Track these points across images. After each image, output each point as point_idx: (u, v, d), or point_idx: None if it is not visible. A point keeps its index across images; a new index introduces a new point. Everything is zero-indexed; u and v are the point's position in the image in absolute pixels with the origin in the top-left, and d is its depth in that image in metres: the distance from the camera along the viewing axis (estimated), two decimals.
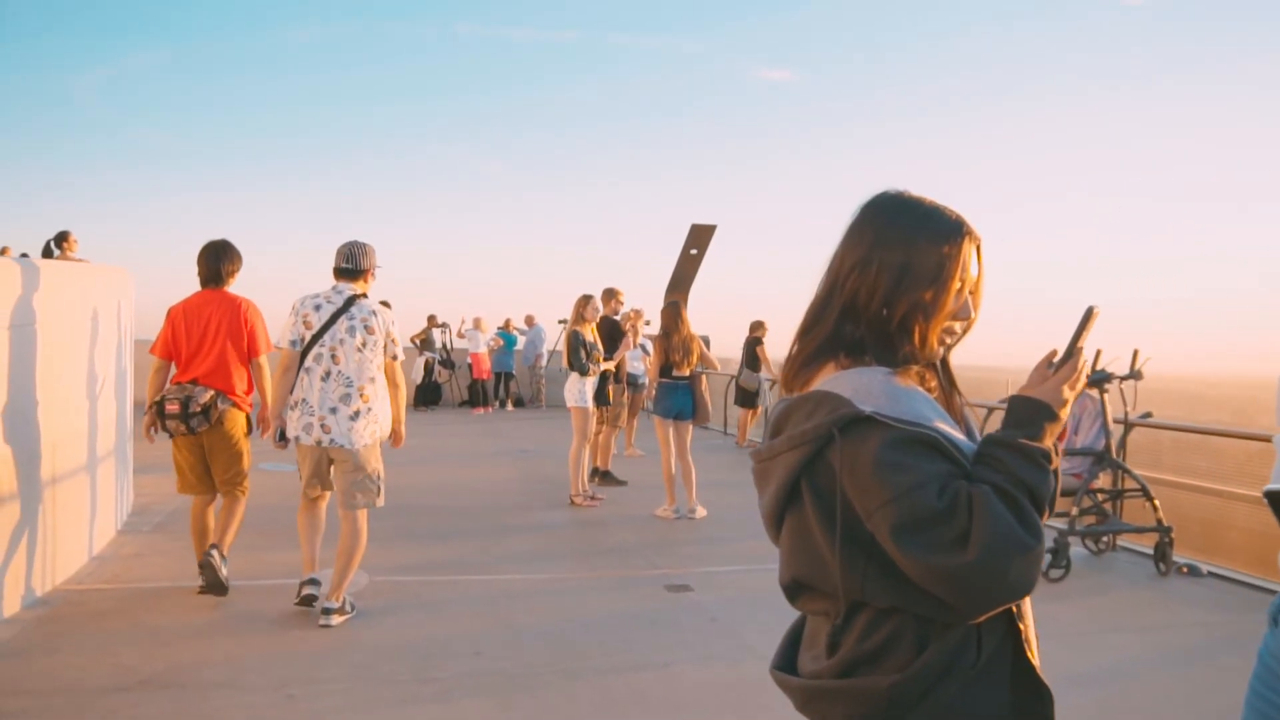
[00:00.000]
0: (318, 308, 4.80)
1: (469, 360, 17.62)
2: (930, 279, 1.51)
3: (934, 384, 1.54)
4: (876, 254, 1.53)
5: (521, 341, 18.68)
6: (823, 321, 1.59)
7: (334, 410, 4.71)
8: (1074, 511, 5.89)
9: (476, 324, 17.62)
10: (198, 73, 41.22)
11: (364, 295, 4.91)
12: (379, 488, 4.89)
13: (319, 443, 4.72)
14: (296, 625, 4.78)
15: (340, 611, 4.79)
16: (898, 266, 1.51)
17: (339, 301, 4.81)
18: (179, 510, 7.47)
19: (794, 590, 1.57)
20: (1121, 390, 6.21)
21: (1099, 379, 6.04)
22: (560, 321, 18.56)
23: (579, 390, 8.30)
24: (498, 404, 18.00)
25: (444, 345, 18.05)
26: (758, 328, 12.74)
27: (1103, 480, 6.19)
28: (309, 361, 4.76)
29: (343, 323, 4.76)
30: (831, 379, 1.49)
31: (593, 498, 8.40)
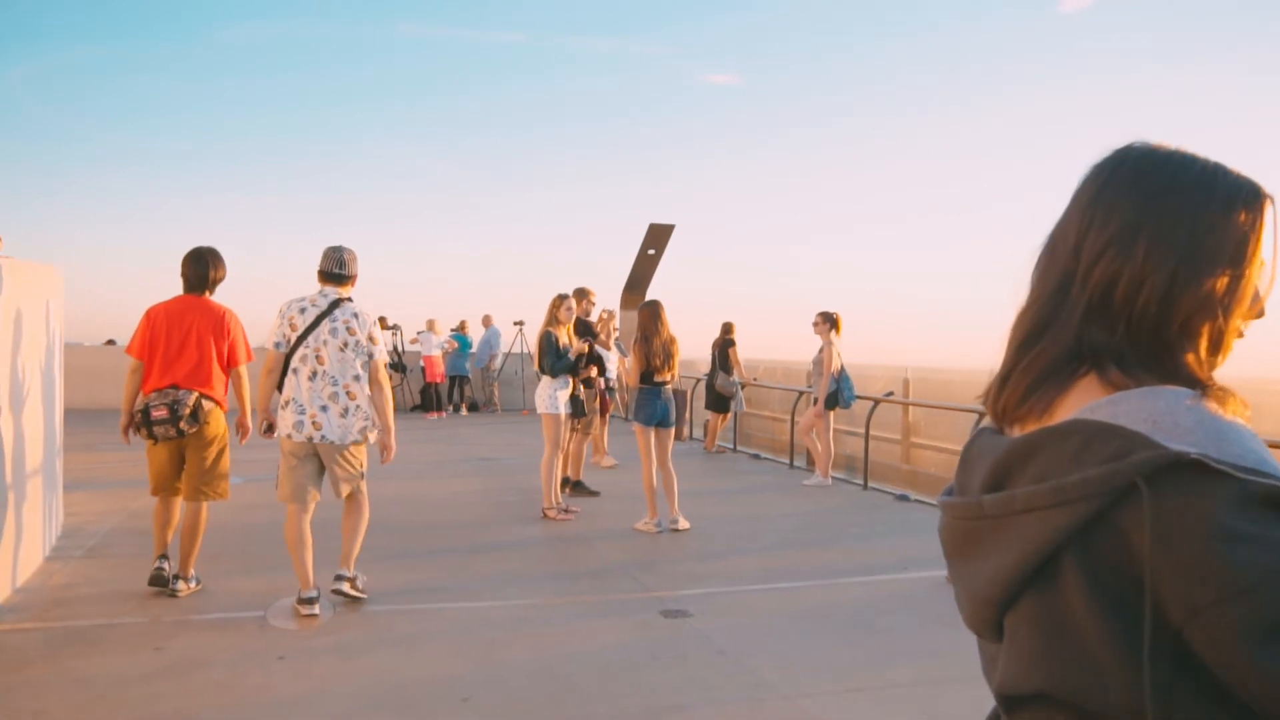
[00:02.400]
0: (303, 310, 5.00)
1: (421, 363, 16.97)
2: (1226, 261, 1.06)
3: (1247, 412, 1.09)
4: (1143, 230, 1.08)
5: (476, 343, 18.05)
6: (1057, 325, 1.12)
7: (324, 408, 4.94)
8: None
9: (430, 326, 16.96)
10: (130, 70, 39.55)
11: (348, 299, 5.11)
12: (362, 475, 5.19)
13: (310, 439, 4.92)
14: (256, 667, 4.22)
15: (352, 583, 5.17)
16: (1180, 246, 1.06)
17: (323, 305, 5.03)
18: (115, 530, 6.82)
19: (1022, 702, 1.10)
20: None
21: None
22: (516, 323, 18.06)
23: (550, 396, 7.80)
24: (451, 408, 17.37)
25: (395, 348, 17.35)
26: (729, 329, 12.32)
27: None
28: (295, 362, 4.97)
29: (325, 325, 4.98)
30: (1100, 404, 1.03)
31: (566, 510, 7.89)
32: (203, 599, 5.20)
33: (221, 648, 4.44)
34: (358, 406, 5.00)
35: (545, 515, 7.75)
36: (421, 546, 6.66)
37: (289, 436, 4.94)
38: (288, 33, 40.10)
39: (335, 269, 5.10)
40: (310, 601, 4.92)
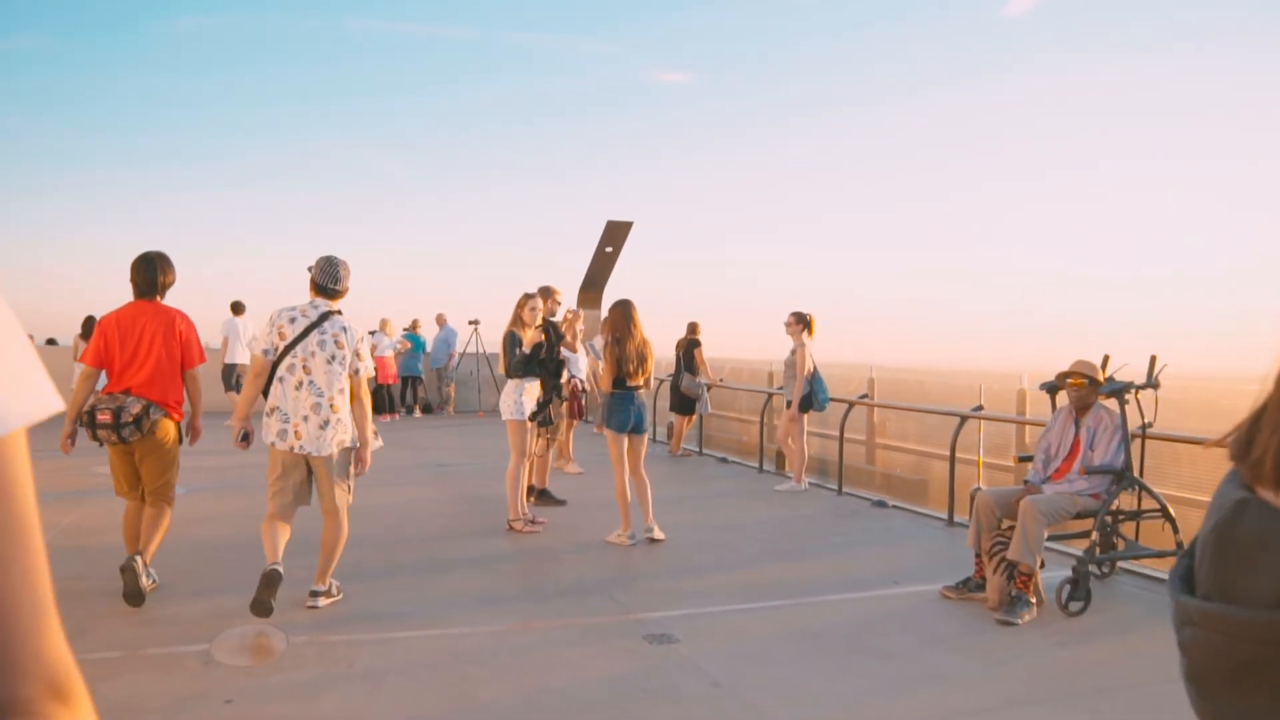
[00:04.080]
0: (293, 320, 5.03)
1: (373, 364, 16.37)
2: None
3: None
4: None
5: (431, 342, 17.50)
6: None
7: (306, 419, 4.95)
8: (1094, 536, 5.31)
9: (382, 326, 16.38)
10: (68, 62, 38.06)
11: (338, 312, 5.14)
12: (349, 486, 5.20)
13: (292, 449, 4.96)
14: (200, 708, 3.76)
15: (327, 594, 5.19)
16: None
17: (313, 316, 5.05)
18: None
19: None
20: (1139, 401, 5.66)
21: (1115, 389, 5.48)
22: (471, 322, 17.53)
23: (516, 401, 7.38)
24: (404, 410, 16.82)
25: None
26: (694, 329, 11.98)
27: (1123, 500, 5.62)
28: (282, 371, 4.98)
29: (314, 336, 5.00)
30: None
31: (533, 522, 7.49)
32: (139, 631, 4.70)
33: (160, 690, 3.97)
34: (339, 420, 5.01)
35: (511, 528, 7.33)
36: (380, 564, 6.20)
37: (273, 444, 4.99)
38: (232, 27, 38.99)
39: (331, 284, 5.15)
40: (273, 572, 4.83)
